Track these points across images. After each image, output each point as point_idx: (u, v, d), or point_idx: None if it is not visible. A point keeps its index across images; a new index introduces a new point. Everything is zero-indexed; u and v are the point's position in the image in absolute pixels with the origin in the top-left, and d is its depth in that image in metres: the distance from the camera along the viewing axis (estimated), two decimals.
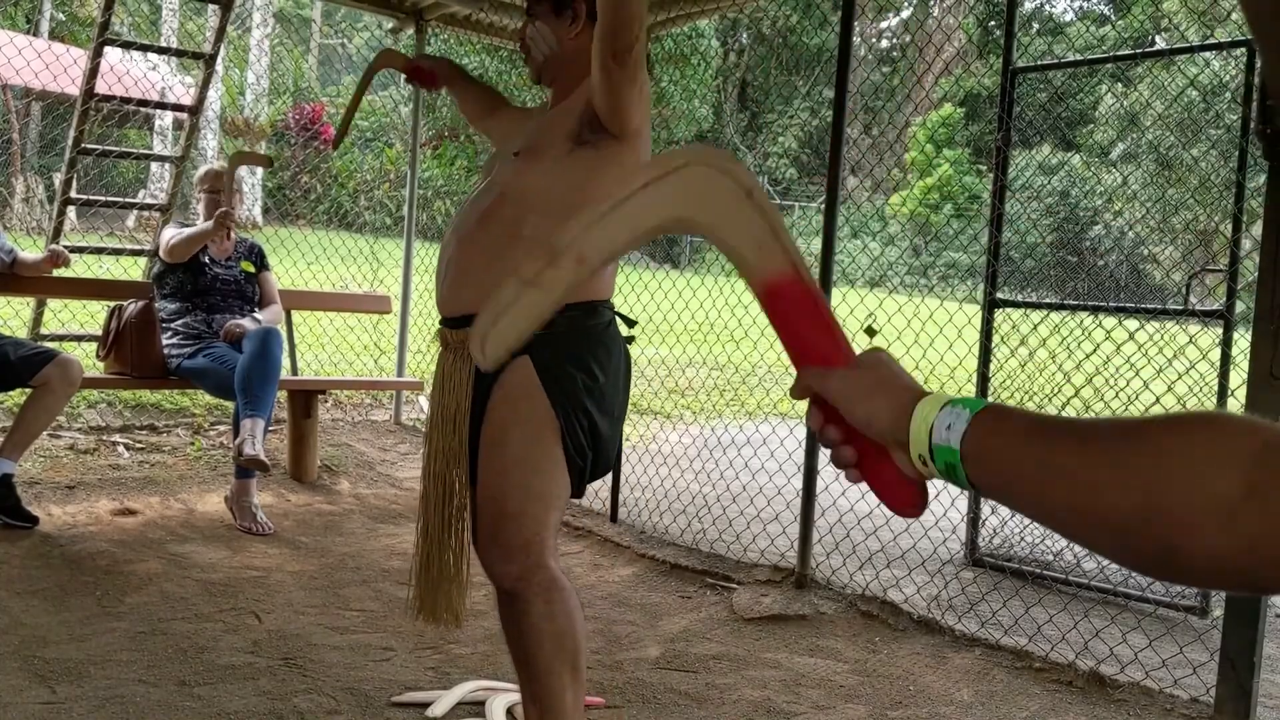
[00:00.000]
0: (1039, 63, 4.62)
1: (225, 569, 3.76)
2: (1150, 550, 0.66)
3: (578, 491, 2.20)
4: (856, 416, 0.88)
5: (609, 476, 4.29)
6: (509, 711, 2.72)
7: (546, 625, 2.10)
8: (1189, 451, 0.64)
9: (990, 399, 4.27)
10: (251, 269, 4.90)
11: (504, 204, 2.16)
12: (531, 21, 2.30)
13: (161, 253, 4.74)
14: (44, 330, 5.81)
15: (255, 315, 4.77)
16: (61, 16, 21.17)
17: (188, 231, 4.64)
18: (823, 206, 4.08)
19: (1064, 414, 4.16)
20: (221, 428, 5.80)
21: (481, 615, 3.49)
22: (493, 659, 3.15)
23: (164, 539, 4.04)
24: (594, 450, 2.16)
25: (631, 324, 2.31)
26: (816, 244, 4.13)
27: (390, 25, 6.46)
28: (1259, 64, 3.51)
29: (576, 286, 0.98)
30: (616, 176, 2.08)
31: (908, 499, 0.90)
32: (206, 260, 4.74)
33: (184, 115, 6.22)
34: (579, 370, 2.11)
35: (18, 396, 4.70)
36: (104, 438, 5.38)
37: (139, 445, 5.36)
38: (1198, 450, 0.64)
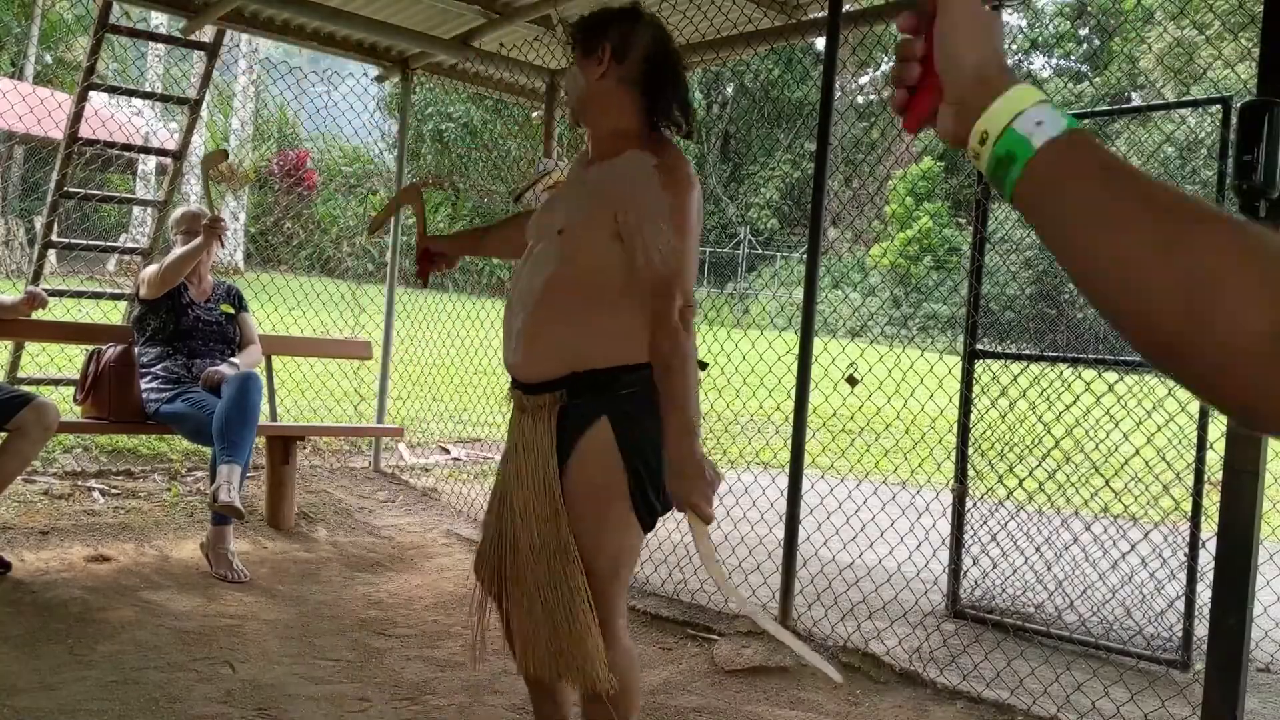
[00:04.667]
0: None
1: (199, 617, 3.71)
2: (1181, 323, 0.63)
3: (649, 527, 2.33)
4: (953, 45, 0.84)
5: None
6: None
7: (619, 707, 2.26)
8: (1261, 238, 0.63)
9: (970, 450, 4.27)
10: (231, 310, 4.89)
11: (562, 280, 2.22)
12: (571, 65, 2.35)
13: (145, 287, 4.66)
14: (21, 374, 5.77)
15: (233, 360, 4.73)
16: (48, 60, 21.25)
17: (176, 251, 4.59)
18: (804, 257, 4.10)
19: (1043, 465, 4.15)
20: (199, 474, 5.75)
21: (459, 666, 3.45)
22: (469, 710, 3.11)
23: (138, 586, 3.99)
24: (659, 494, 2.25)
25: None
26: (798, 294, 4.15)
27: (376, 73, 6.50)
28: (1234, 119, 3.56)
29: None
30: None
31: (913, 126, 0.89)
32: (188, 301, 4.72)
33: (167, 160, 6.23)
34: (654, 420, 2.14)
35: None
36: (79, 483, 5.32)
37: (115, 491, 5.30)
38: (1269, 239, 0.63)
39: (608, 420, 2.18)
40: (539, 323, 2.22)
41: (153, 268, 4.71)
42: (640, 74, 2.29)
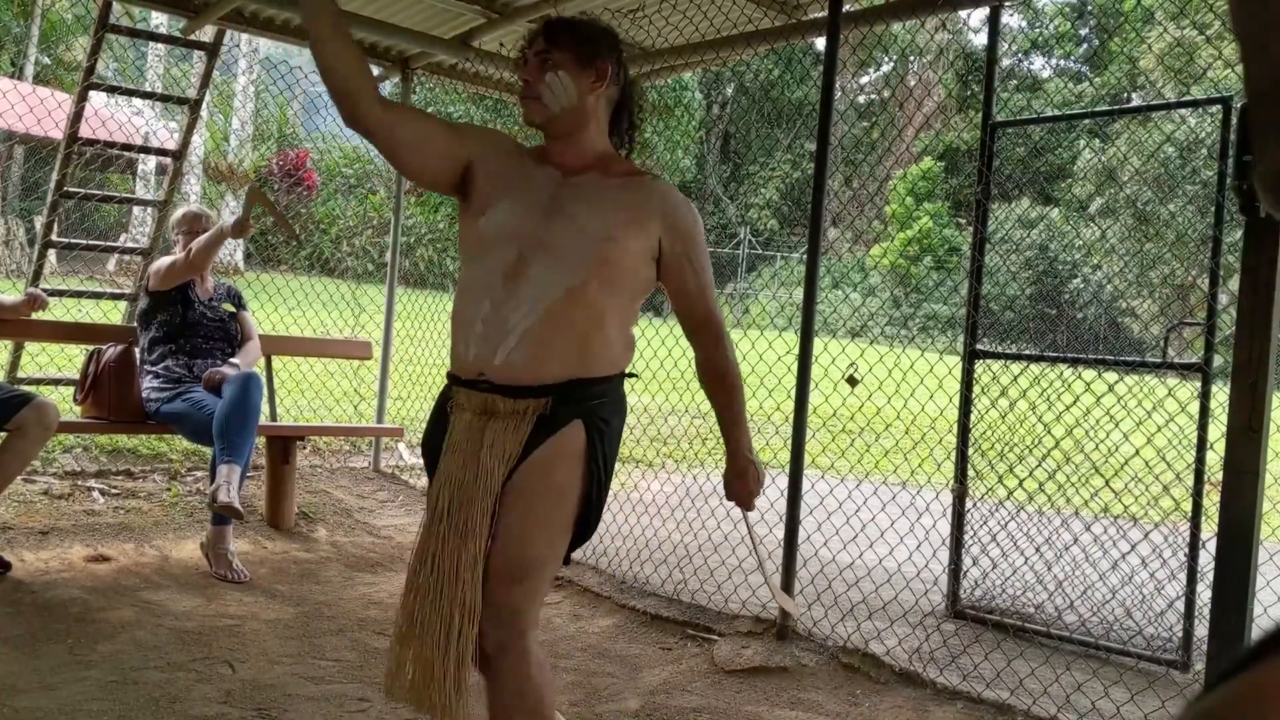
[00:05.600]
0: (1018, 117, 4.67)
1: (199, 617, 3.71)
2: None
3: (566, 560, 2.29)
4: None
5: None
6: None
7: (516, 703, 2.17)
8: None
9: (970, 450, 4.27)
10: (232, 309, 4.89)
11: (590, 289, 2.18)
12: (553, 69, 2.26)
13: (156, 279, 4.63)
14: (21, 374, 5.77)
15: (234, 361, 4.73)
16: (47, 60, 21.25)
17: (205, 236, 4.55)
18: (804, 257, 4.10)
19: (1043, 466, 4.14)
20: (199, 474, 5.75)
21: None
22: (477, 714, 3.11)
23: (138, 586, 3.99)
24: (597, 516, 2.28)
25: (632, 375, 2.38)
26: (798, 294, 4.14)
27: (376, 73, 6.50)
28: (1234, 119, 3.56)
29: None
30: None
31: None
32: (195, 296, 4.72)
33: (167, 160, 6.23)
34: (618, 424, 2.28)
35: None
36: (79, 483, 5.32)
37: (114, 491, 5.30)
38: None
39: (583, 426, 2.18)
40: (556, 326, 2.15)
41: (165, 260, 4.70)
42: (619, 97, 2.39)
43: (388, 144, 2.25)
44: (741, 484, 2.38)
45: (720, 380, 2.33)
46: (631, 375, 2.35)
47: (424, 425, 2.39)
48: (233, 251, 16.62)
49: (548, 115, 2.28)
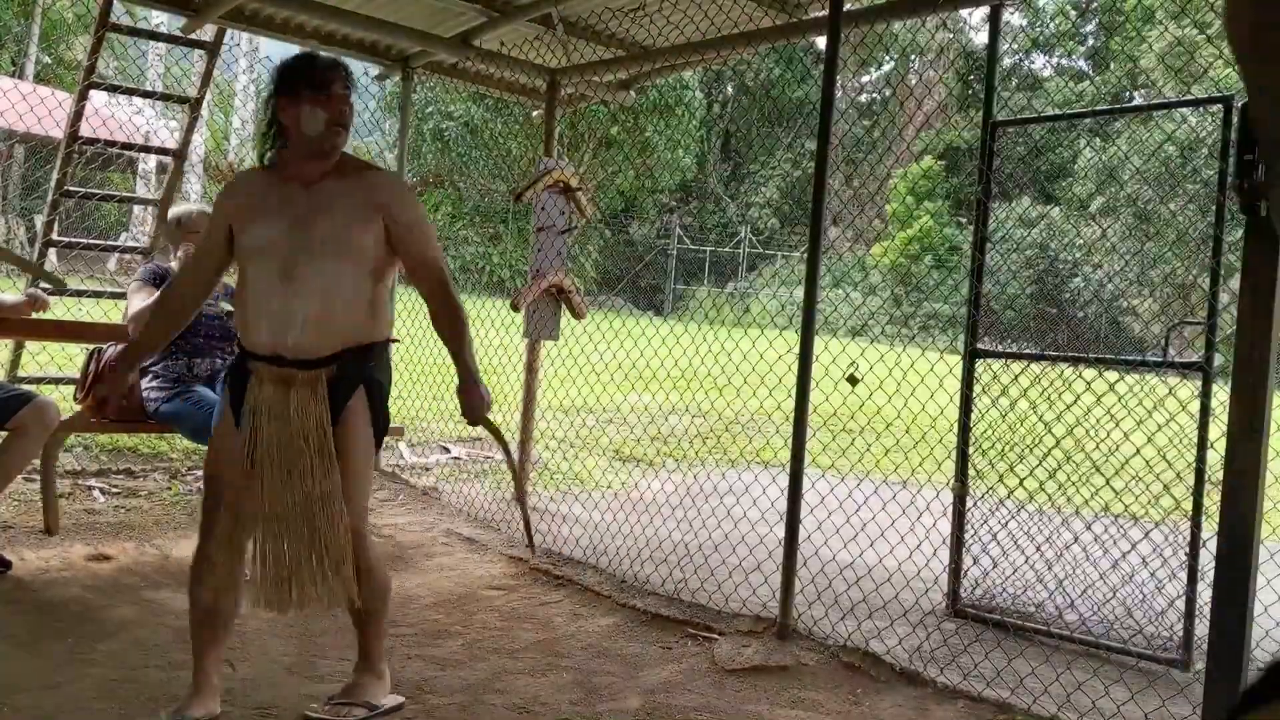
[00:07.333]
0: (1018, 116, 4.67)
1: None
2: None
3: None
4: None
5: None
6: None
7: (365, 578, 2.88)
8: None
9: (971, 450, 4.26)
10: (230, 308, 4.88)
11: (343, 272, 2.77)
12: (347, 107, 2.88)
13: (131, 327, 4.45)
14: (21, 373, 5.77)
15: None
16: (47, 59, 21.25)
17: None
18: (805, 256, 4.10)
19: (1044, 465, 4.14)
20: (199, 473, 5.74)
21: (459, 665, 3.45)
22: (469, 709, 3.11)
23: (138, 585, 3.99)
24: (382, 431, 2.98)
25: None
26: (799, 293, 4.14)
27: (377, 72, 6.50)
28: (1235, 119, 3.56)
29: None
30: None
31: None
32: None
33: (168, 159, 6.23)
34: (387, 381, 3.00)
35: None
36: (80, 482, 5.32)
37: (115, 490, 5.30)
38: None
39: (364, 388, 2.83)
40: (326, 308, 2.74)
41: (142, 308, 4.46)
42: None
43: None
44: (473, 395, 2.83)
45: (453, 323, 2.87)
46: (395, 341, 3.06)
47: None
48: None
49: (336, 141, 2.85)
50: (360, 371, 2.83)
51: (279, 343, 2.74)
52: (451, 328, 2.88)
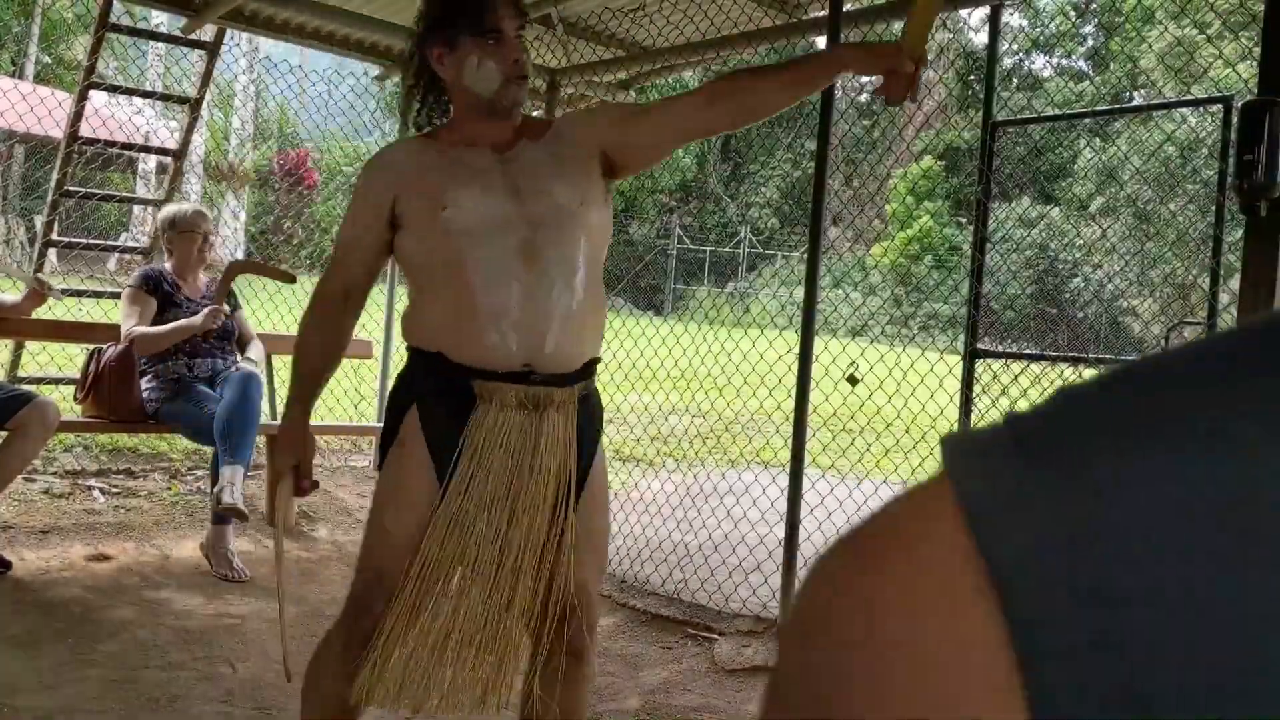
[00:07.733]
0: (1018, 116, 4.67)
1: (200, 616, 3.71)
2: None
3: None
4: None
5: None
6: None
7: (579, 707, 2.21)
8: None
9: None
10: (228, 308, 4.87)
11: (593, 258, 2.13)
12: (525, 51, 2.13)
13: (137, 347, 4.49)
14: (21, 373, 5.77)
15: (249, 356, 4.72)
16: (47, 59, 21.25)
17: (165, 328, 4.45)
18: (805, 256, 4.10)
19: None
20: (199, 473, 5.74)
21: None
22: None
23: (138, 585, 3.99)
24: None
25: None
26: (799, 293, 4.14)
27: (376, 72, 6.49)
28: (1235, 119, 3.56)
29: None
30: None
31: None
32: (181, 302, 4.64)
33: (168, 159, 6.23)
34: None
35: None
36: (80, 482, 5.32)
37: (115, 490, 5.30)
38: None
39: (600, 447, 2.23)
40: (585, 305, 2.06)
41: (130, 322, 4.49)
42: None
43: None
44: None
45: (751, 76, 2.15)
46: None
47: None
48: (234, 251, 16.60)
49: (521, 90, 2.13)
50: (592, 412, 2.18)
51: (533, 352, 2.01)
52: (759, 75, 2.11)
